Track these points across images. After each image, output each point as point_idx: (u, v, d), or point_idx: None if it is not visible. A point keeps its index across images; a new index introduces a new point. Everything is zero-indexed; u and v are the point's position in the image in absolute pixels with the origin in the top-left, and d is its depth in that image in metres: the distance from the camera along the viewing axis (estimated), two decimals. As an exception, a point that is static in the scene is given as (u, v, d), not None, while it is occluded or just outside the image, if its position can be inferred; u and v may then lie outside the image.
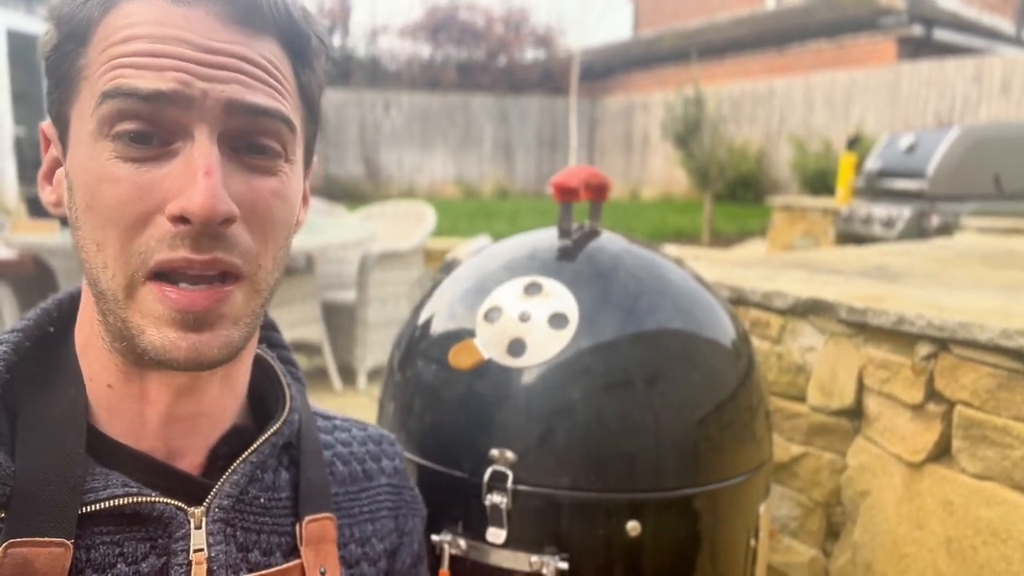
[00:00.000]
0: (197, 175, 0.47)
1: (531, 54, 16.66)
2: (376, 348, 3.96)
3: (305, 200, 0.62)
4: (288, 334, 4.23)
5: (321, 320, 3.81)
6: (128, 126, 0.48)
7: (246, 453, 0.57)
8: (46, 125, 0.55)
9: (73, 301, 0.59)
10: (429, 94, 13.96)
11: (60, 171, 0.54)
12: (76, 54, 0.50)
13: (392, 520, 0.71)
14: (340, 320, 4.00)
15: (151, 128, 0.48)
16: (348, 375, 4.00)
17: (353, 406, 3.60)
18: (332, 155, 12.95)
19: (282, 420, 0.61)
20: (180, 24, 0.48)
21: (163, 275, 0.49)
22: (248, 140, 0.51)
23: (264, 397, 0.64)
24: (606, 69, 14.73)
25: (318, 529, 0.60)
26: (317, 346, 3.85)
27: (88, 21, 0.49)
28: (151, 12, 0.49)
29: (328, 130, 12.68)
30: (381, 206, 5.03)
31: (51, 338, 0.57)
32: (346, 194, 11.69)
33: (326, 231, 3.90)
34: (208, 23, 0.49)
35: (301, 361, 4.30)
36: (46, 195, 0.55)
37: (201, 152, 0.48)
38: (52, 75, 0.51)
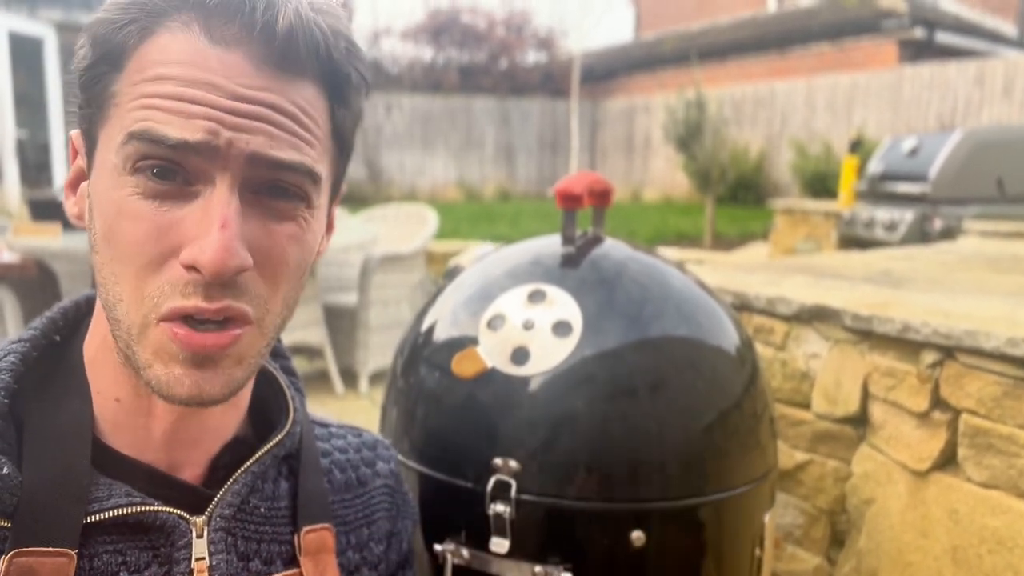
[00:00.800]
0: (212, 226, 0.47)
1: (533, 57, 16.67)
2: (377, 351, 3.96)
3: (330, 228, 0.62)
4: (289, 337, 4.23)
5: (323, 323, 3.81)
6: (152, 162, 0.48)
7: (247, 463, 0.58)
8: (75, 135, 0.54)
9: (79, 310, 0.59)
10: (431, 97, 13.97)
11: (84, 185, 0.54)
12: (109, 78, 0.49)
13: (388, 522, 0.72)
14: (342, 323, 4.00)
15: (174, 167, 0.48)
16: (350, 378, 4.00)
17: (355, 409, 3.59)
18: (334, 157, 12.95)
19: (285, 432, 0.62)
20: (213, 67, 0.48)
21: (174, 317, 0.49)
22: (270, 185, 0.51)
23: (266, 407, 0.65)
24: (607, 71, 14.74)
25: (316, 539, 0.61)
26: (319, 349, 3.84)
27: (123, 47, 0.49)
28: (186, 51, 0.48)
29: (330, 132, 12.68)
30: (383, 209, 5.03)
31: (57, 348, 0.57)
32: (347, 197, 11.67)
33: (328, 234, 3.89)
34: (242, 68, 0.48)
35: (302, 364, 4.29)
36: (69, 206, 0.55)
37: (220, 201, 0.48)
38: (84, 92, 0.51)
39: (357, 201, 11.04)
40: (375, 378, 4.00)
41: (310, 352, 4.11)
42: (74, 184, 0.56)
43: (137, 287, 0.48)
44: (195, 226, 0.48)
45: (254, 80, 0.48)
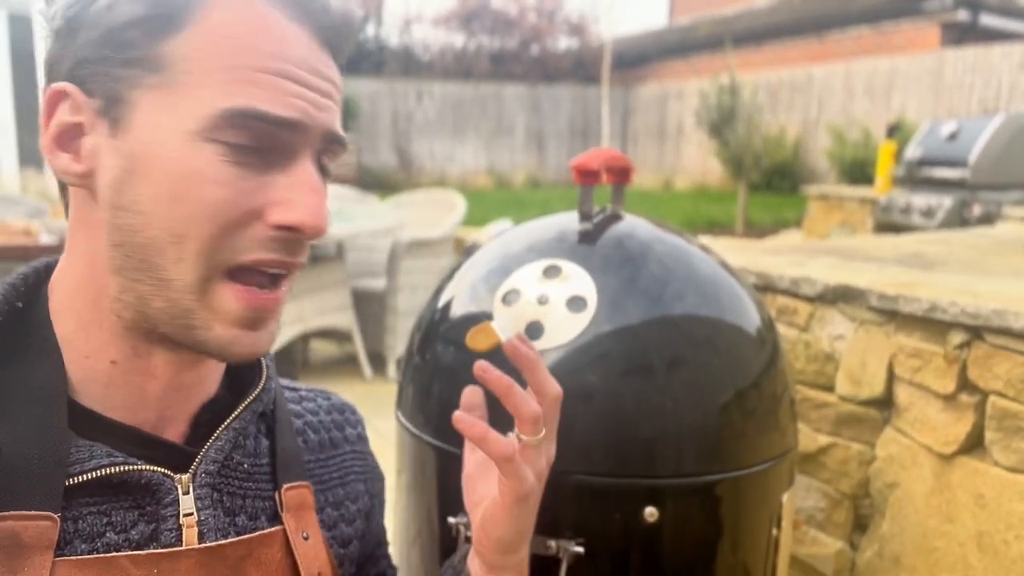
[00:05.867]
0: (307, 191, 0.51)
1: (564, 43, 16.54)
2: (405, 336, 3.98)
3: None
4: (318, 321, 4.26)
5: (351, 308, 3.85)
6: (243, 133, 0.49)
7: (229, 419, 0.58)
8: (68, 87, 0.51)
9: (38, 275, 0.59)
10: (462, 84, 13.96)
11: (90, 141, 0.51)
12: (163, 38, 0.48)
13: (362, 483, 0.73)
14: (370, 308, 4.03)
15: (261, 144, 0.50)
16: (378, 362, 4.03)
17: (383, 393, 3.62)
18: (365, 145, 13.03)
19: (261, 388, 0.62)
20: (292, 41, 0.51)
21: (238, 273, 0.52)
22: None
23: (238, 367, 0.65)
24: (640, 57, 14.58)
25: (297, 497, 0.62)
26: (347, 333, 3.89)
27: (185, 4, 0.48)
28: (267, 23, 0.50)
29: (361, 120, 12.76)
30: (411, 194, 5.05)
31: (20, 313, 0.56)
32: (378, 183, 11.76)
33: (356, 219, 3.92)
34: (311, 43, 0.52)
35: (331, 348, 4.33)
36: (65, 163, 0.52)
37: (309, 171, 0.52)
38: (121, 49, 0.49)
39: (387, 187, 11.10)
40: (403, 362, 4.02)
41: (339, 336, 4.15)
42: (63, 140, 0.52)
43: (211, 245, 0.50)
44: (282, 191, 0.51)
45: (321, 56, 0.53)
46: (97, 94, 0.50)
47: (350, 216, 4.04)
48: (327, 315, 3.70)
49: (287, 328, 3.45)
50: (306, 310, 3.57)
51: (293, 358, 4.06)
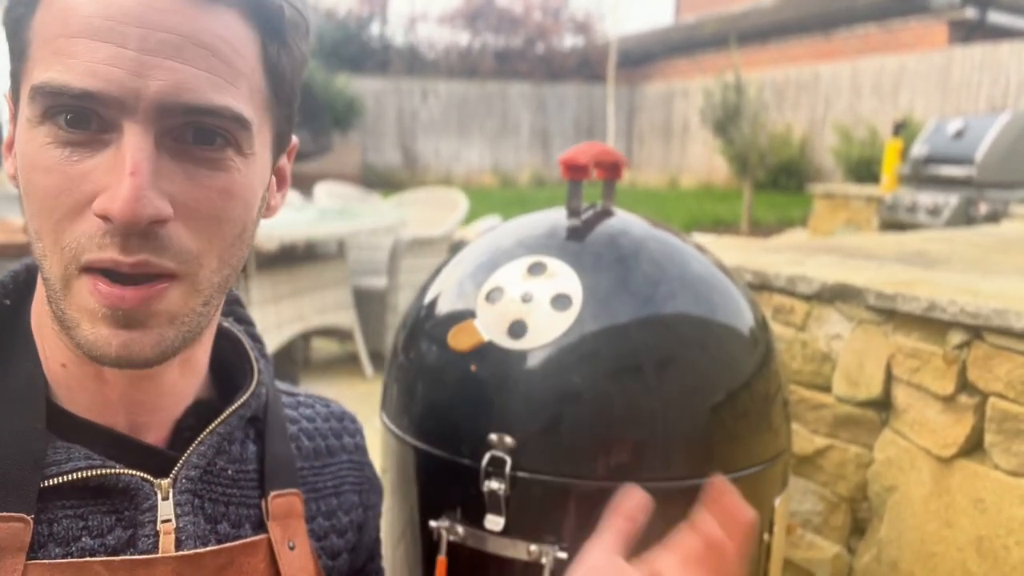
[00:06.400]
0: (123, 174, 0.44)
1: (569, 41, 16.53)
2: (405, 334, 3.97)
3: (284, 183, 0.59)
4: (319, 319, 4.24)
5: (352, 306, 3.83)
6: (62, 109, 0.45)
7: (213, 424, 0.56)
8: (8, 96, 0.51)
9: (29, 272, 0.57)
10: (467, 82, 13.95)
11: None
12: (25, 24, 0.47)
13: (356, 495, 0.70)
14: (371, 306, 4.02)
15: (87, 113, 0.45)
16: (379, 361, 4.01)
17: (382, 392, 3.61)
18: (370, 143, 13.04)
19: (250, 392, 0.60)
20: None
21: (96, 269, 0.46)
22: (194, 129, 0.47)
23: (231, 371, 0.63)
24: (645, 55, 14.54)
25: (285, 504, 0.60)
26: (348, 332, 3.87)
27: None
28: None
29: (366, 118, 12.77)
30: (414, 193, 5.04)
31: (6, 311, 0.56)
32: (383, 182, 11.77)
33: (357, 217, 3.91)
34: None
35: (332, 347, 4.29)
36: (9, 166, 0.53)
37: (130, 147, 0.44)
38: (9, 45, 0.48)
39: (392, 186, 11.11)
40: (403, 361, 4.01)
41: (340, 335, 4.14)
42: (11, 145, 0.53)
43: (56, 240, 0.46)
44: (106, 175, 0.45)
45: (166, 4, 0.44)
46: (13, 94, 0.50)
47: (352, 214, 4.03)
48: (328, 313, 3.69)
49: (288, 326, 3.44)
50: (307, 308, 3.55)
51: (294, 356, 4.04)
